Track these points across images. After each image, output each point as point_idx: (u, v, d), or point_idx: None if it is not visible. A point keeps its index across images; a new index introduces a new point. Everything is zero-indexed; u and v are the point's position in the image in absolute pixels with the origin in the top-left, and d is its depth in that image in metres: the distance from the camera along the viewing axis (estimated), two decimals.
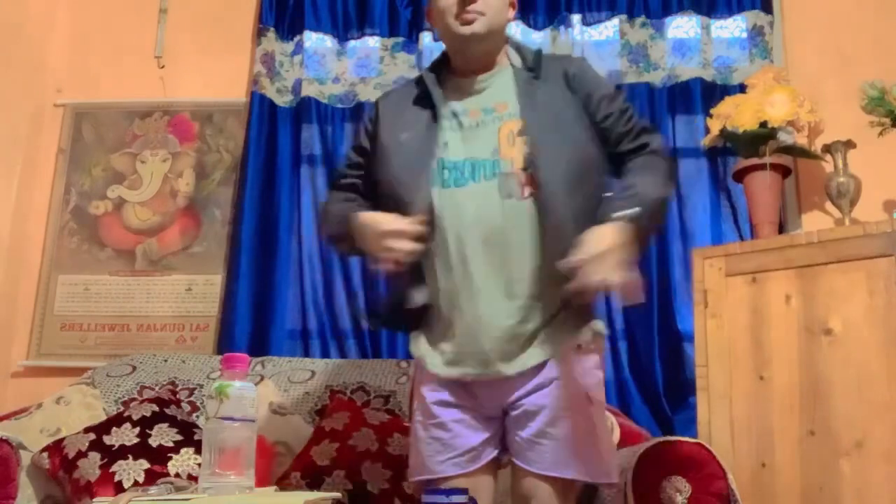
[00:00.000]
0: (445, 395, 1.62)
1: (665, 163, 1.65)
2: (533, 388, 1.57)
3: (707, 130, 2.64)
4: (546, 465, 1.55)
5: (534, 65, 1.66)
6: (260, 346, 2.71)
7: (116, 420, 2.14)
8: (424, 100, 1.68)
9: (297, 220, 2.85)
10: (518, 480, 1.60)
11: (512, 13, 1.71)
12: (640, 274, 1.44)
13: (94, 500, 1.74)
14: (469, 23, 1.61)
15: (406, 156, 1.63)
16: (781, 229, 2.59)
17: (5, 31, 2.95)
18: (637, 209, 1.49)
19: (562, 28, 2.88)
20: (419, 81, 1.72)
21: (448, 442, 1.60)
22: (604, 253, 1.42)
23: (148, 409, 2.17)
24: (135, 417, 2.13)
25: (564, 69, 1.67)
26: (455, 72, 1.70)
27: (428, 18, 1.75)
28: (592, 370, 1.62)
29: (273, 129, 2.90)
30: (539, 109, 1.60)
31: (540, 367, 1.58)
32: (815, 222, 2.67)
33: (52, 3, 3.14)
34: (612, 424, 2.12)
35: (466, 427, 1.60)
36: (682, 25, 2.92)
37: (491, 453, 1.62)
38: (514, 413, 1.59)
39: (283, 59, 2.99)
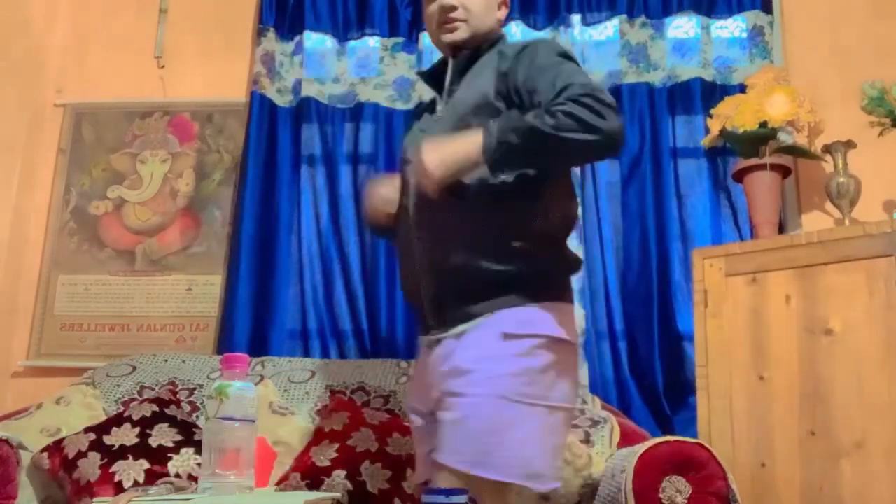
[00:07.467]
0: (414, 398, 1.67)
1: (581, 109, 1.38)
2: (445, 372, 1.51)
3: (707, 130, 2.63)
4: (439, 450, 1.45)
5: (467, 62, 1.65)
6: (260, 346, 2.71)
7: (116, 420, 2.14)
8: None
9: (297, 220, 2.85)
10: None
11: (503, 13, 1.71)
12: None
13: (94, 500, 1.74)
14: (452, 31, 1.66)
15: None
16: (781, 229, 2.59)
17: (5, 31, 2.95)
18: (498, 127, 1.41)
19: (562, 28, 2.87)
20: None
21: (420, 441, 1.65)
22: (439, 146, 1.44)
23: (148, 409, 2.17)
24: (135, 417, 2.13)
25: (498, 61, 1.58)
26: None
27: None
28: (514, 357, 1.45)
29: (273, 129, 2.90)
30: (449, 104, 1.64)
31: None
32: (815, 222, 2.67)
33: (52, 3, 3.14)
34: (613, 426, 2.12)
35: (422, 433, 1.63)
36: (682, 25, 2.92)
37: None
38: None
39: (283, 59, 2.99)
